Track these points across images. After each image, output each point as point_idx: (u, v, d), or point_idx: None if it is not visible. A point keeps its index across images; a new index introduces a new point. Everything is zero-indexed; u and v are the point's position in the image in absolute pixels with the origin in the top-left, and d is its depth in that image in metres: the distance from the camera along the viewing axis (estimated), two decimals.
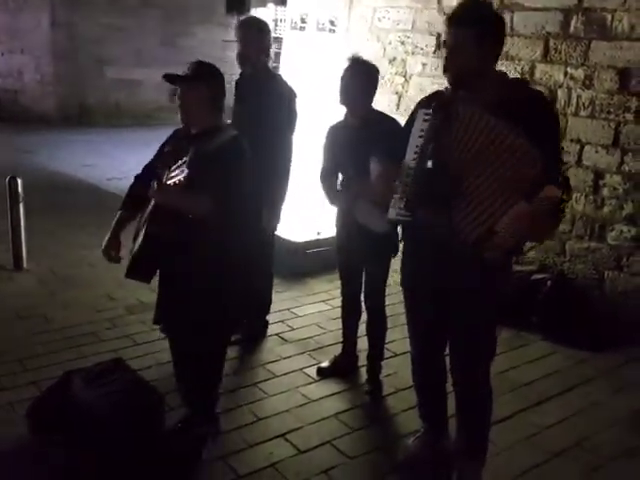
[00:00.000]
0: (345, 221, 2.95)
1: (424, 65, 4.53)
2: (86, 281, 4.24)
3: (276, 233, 3.53)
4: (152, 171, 2.42)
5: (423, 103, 2.16)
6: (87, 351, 3.27)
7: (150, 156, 2.54)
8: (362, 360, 3.19)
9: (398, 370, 3.20)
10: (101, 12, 11.19)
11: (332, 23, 4.77)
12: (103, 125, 11.02)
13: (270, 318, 3.65)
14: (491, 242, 1.92)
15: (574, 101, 3.84)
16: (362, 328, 3.15)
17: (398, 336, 3.45)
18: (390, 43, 4.71)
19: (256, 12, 6.68)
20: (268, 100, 3.12)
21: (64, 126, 10.73)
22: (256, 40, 3.17)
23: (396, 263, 3.05)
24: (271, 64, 3.41)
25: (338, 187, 2.95)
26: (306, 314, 3.90)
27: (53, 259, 4.63)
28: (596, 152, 3.79)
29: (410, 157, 2.02)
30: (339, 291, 3.22)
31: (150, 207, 2.32)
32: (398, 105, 4.68)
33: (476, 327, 2.17)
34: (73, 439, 2.39)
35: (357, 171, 2.82)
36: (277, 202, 3.25)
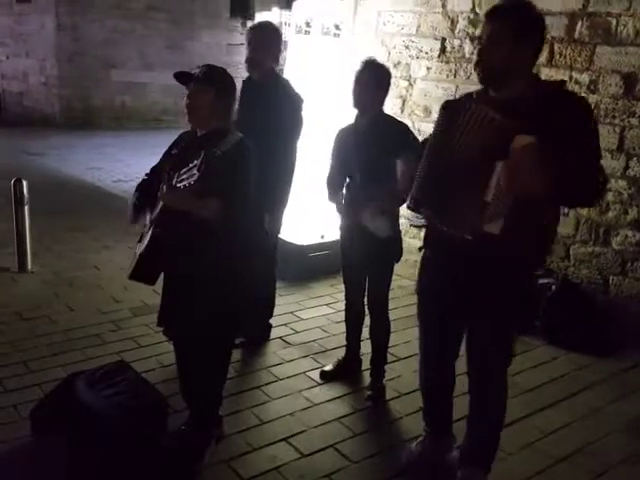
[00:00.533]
0: (349, 225, 2.95)
1: (428, 69, 4.53)
2: (91, 283, 4.25)
3: (280, 236, 3.53)
4: (159, 173, 2.42)
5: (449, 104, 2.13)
6: (91, 353, 3.28)
7: (156, 159, 2.55)
8: (365, 364, 3.18)
9: (402, 374, 3.20)
10: (106, 15, 11.26)
11: (337, 27, 4.78)
12: (108, 128, 11.07)
13: (274, 321, 3.65)
14: (489, 212, 1.86)
15: None
16: (365, 332, 3.15)
17: (401, 340, 3.45)
18: (394, 47, 4.72)
19: (260, 16, 6.70)
20: (275, 105, 3.12)
21: (69, 129, 10.78)
22: (265, 45, 3.16)
23: (399, 268, 3.06)
24: (278, 69, 3.41)
25: (344, 191, 2.96)
26: (310, 317, 3.90)
27: (58, 261, 4.65)
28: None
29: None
30: (343, 295, 3.22)
31: (157, 210, 2.33)
32: (402, 109, 4.69)
33: (494, 335, 2.13)
34: (76, 441, 2.39)
35: (365, 173, 2.82)
36: (279, 207, 3.25)
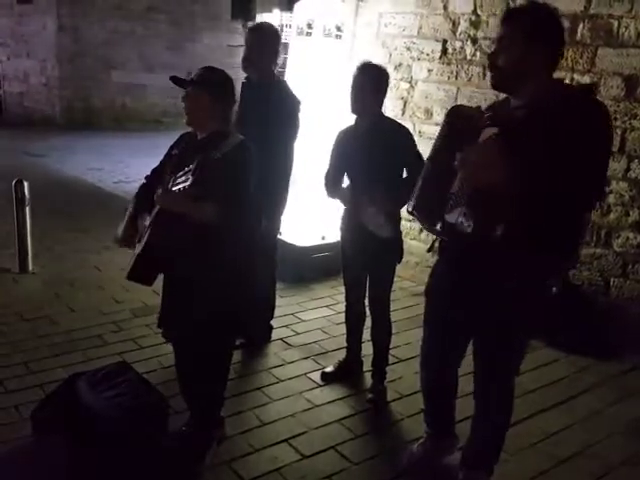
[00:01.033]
0: (350, 226, 2.95)
1: (430, 71, 4.54)
2: (92, 284, 4.25)
3: (281, 238, 3.53)
4: (160, 175, 2.43)
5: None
6: (92, 354, 3.28)
7: (157, 160, 2.55)
8: (366, 365, 3.18)
9: (403, 376, 3.20)
10: (107, 17, 11.27)
11: (338, 29, 4.79)
12: (109, 129, 11.07)
13: (274, 323, 3.65)
14: (450, 202, 1.89)
15: None
16: (367, 333, 3.15)
17: (402, 342, 3.45)
18: (396, 49, 4.72)
19: (261, 18, 6.70)
20: (271, 106, 3.12)
21: (69, 129, 10.79)
22: (259, 45, 3.17)
23: (400, 269, 3.06)
24: (277, 70, 3.41)
25: (344, 189, 2.96)
26: (311, 319, 3.90)
27: (59, 262, 4.65)
28: None
29: None
30: (343, 296, 3.22)
31: (154, 212, 2.33)
32: (403, 111, 4.69)
33: (500, 341, 2.11)
34: (77, 442, 2.39)
35: (365, 175, 2.83)
36: (277, 209, 3.26)
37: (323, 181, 3.00)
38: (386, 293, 3.01)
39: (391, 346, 3.10)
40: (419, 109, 4.62)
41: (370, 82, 2.75)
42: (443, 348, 2.32)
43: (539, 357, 3.51)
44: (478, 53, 4.23)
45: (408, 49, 4.65)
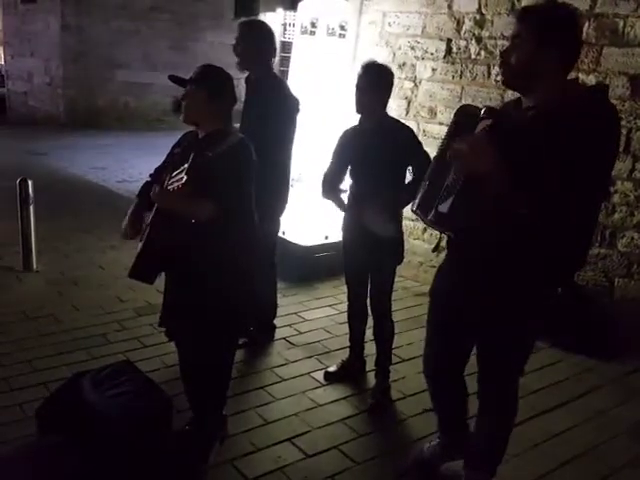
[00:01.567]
0: (351, 225, 2.95)
1: (434, 70, 4.53)
2: (95, 283, 4.26)
3: (284, 237, 3.53)
4: (162, 174, 2.43)
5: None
6: (96, 353, 3.28)
7: (160, 159, 2.55)
8: (370, 365, 3.18)
9: (406, 375, 3.20)
10: (111, 16, 11.28)
11: (342, 28, 4.78)
12: (112, 128, 11.09)
13: (277, 322, 3.65)
14: (444, 193, 1.89)
15: None
16: (369, 333, 3.15)
17: (405, 342, 3.45)
18: (400, 48, 4.71)
19: (265, 17, 6.69)
20: (268, 104, 3.10)
21: (73, 129, 10.81)
22: (245, 39, 3.14)
23: (402, 269, 3.06)
24: (277, 69, 3.39)
25: (345, 189, 2.96)
26: (313, 318, 3.90)
27: (63, 261, 4.66)
28: None
29: None
30: (346, 295, 3.22)
31: (153, 210, 2.34)
32: (407, 110, 4.68)
33: (502, 343, 2.09)
34: (81, 440, 2.39)
35: (368, 176, 2.82)
36: (277, 208, 3.25)
37: (321, 180, 2.99)
38: (388, 293, 3.00)
39: (394, 346, 3.10)
40: (423, 108, 4.61)
41: (374, 82, 2.74)
42: (444, 349, 2.31)
43: (543, 358, 3.50)
44: (483, 52, 4.22)
45: (412, 48, 4.64)
